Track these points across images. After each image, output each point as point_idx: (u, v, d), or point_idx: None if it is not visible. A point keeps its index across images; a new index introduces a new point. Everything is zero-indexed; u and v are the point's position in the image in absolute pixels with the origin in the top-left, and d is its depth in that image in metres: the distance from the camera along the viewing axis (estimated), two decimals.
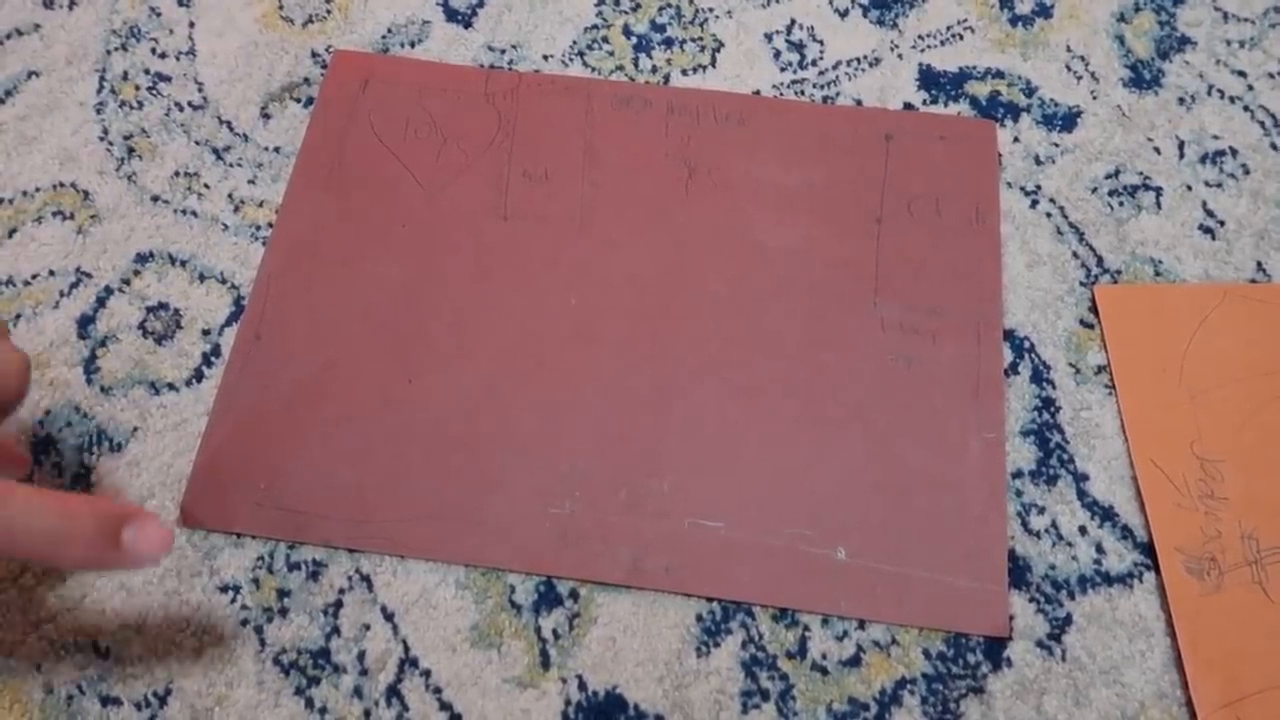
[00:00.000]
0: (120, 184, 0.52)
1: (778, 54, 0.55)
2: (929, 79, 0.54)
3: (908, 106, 0.53)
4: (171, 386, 0.47)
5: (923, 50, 0.55)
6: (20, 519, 0.31)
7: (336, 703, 0.41)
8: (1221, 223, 0.50)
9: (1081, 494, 0.44)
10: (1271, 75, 0.53)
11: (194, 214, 0.51)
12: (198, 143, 0.53)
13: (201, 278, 0.49)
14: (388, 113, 0.53)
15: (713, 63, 0.55)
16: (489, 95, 0.53)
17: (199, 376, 0.47)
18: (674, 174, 0.51)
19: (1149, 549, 0.43)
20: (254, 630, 0.42)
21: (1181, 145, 0.52)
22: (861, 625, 0.42)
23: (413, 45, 0.55)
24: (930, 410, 0.46)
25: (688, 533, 0.43)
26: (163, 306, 0.49)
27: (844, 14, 0.56)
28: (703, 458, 0.45)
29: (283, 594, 0.43)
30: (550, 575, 0.43)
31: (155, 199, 0.51)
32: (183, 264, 0.50)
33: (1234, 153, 0.51)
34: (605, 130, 0.52)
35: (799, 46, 0.55)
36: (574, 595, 0.42)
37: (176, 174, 0.52)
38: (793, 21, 0.56)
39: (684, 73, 0.54)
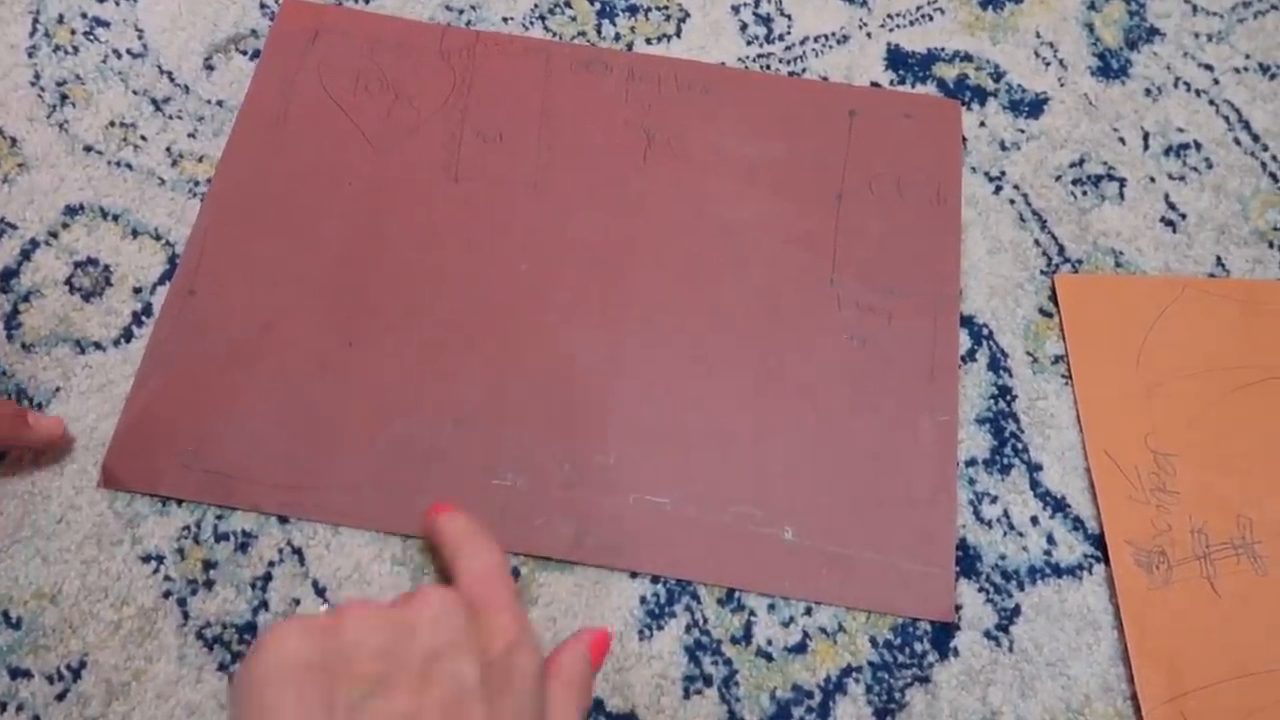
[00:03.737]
0: (51, 132, 0.49)
1: (745, 27, 0.54)
2: (897, 59, 0.53)
3: (874, 86, 0.52)
4: (98, 346, 0.45)
5: (892, 29, 0.54)
6: None
7: None
8: (1183, 216, 0.49)
9: (1034, 484, 0.44)
10: (1237, 70, 0.53)
11: (129, 166, 0.49)
12: (135, 92, 0.50)
13: (134, 233, 0.47)
14: (337, 66, 0.51)
15: (678, 33, 0.53)
16: (444, 52, 0.51)
17: (128, 336, 0.45)
18: (632, 142, 0.50)
19: (1100, 541, 0.42)
20: (177, 602, 0.40)
21: (1146, 137, 0.51)
22: (808, 611, 0.41)
23: (367, 1, 0.53)
24: (883, 391, 0.45)
25: (633, 508, 0.42)
26: (92, 262, 0.46)
27: None
28: (650, 432, 0.44)
29: (209, 565, 0.41)
30: None
31: (88, 149, 0.49)
32: (115, 218, 0.47)
33: (1198, 146, 0.51)
34: (563, 94, 0.51)
35: (767, 20, 0.54)
36: (515, 574, 0.41)
37: (112, 124, 0.49)
38: None
39: (648, 41, 0.53)
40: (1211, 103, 0.52)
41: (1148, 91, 0.52)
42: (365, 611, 0.29)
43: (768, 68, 0.52)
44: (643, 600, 0.41)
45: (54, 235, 0.47)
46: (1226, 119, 0.52)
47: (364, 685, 0.28)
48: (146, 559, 0.41)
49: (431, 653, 0.29)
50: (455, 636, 0.30)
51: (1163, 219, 0.49)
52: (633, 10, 0.54)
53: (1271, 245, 0.49)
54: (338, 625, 0.29)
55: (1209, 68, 0.53)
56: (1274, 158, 0.51)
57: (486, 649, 0.30)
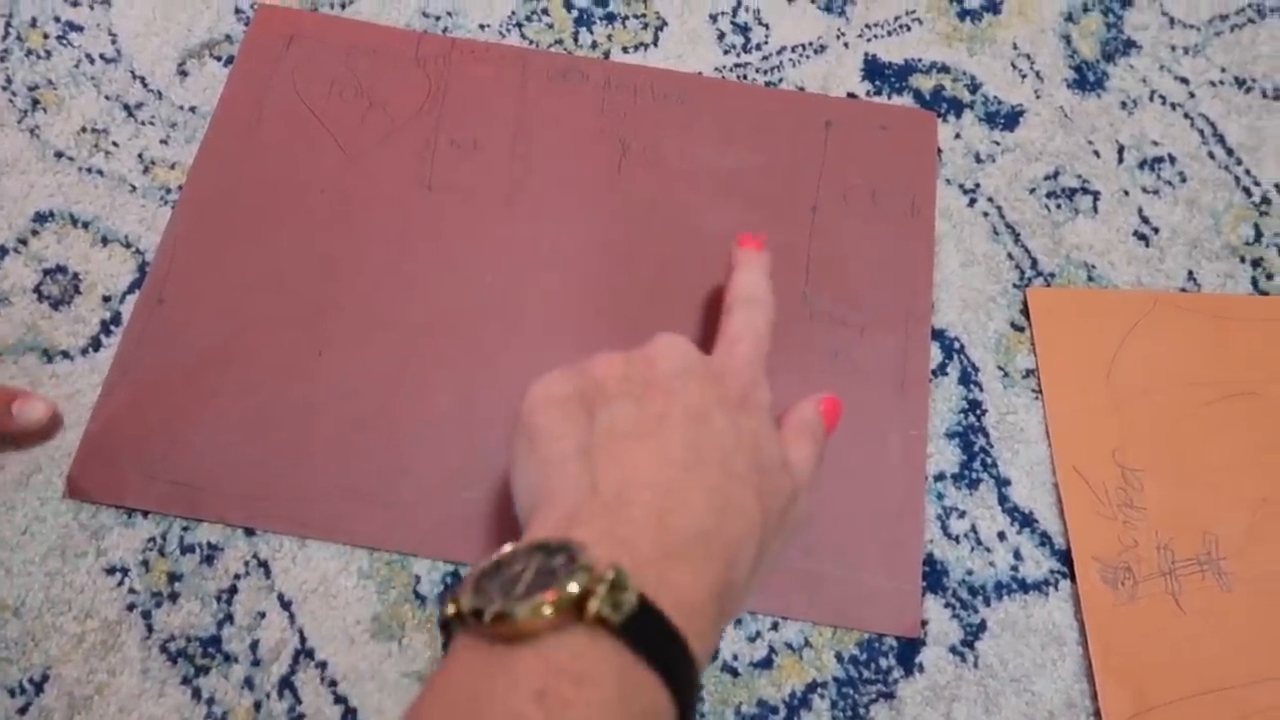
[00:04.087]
0: (21, 137, 0.49)
1: (722, 36, 0.54)
2: (874, 69, 0.53)
3: (851, 96, 0.52)
4: (66, 355, 0.44)
5: (869, 40, 0.54)
6: None
7: (225, 694, 0.39)
8: (1156, 230, 0.49)
9: (1003, 499, 0.44)
10: (1213, 84, 0.53)
11: (100, 173, 0.48)
12: (108, 98, 0.50)
13: (105, 241, 0.47)
14: (312, 73, 0.51)
15: (655, 41, 0.53)
16: (420, 60, 0.51)
17: (96, 345, 0.45)
18: (608, 151, 0.50)
19: (1066, 556, 0.43)
20: (141, 615, 0.40)
21: (1121, 150, 0.51)
22: (774, 626, 0.41)
23: (342, 7, 0.53)
24: (854, 405, 0.45)
25: None
26: (61, 269, 0.46)
27: None
28: None
29: (174, 578, 0.41)
30: (459, 562, 0.41)
31: (59, 155, 0.49)
32: (85, 225, 0.47)
33: (1172, 160, 0.51)
34: (539, 103, 0.51)
35: (744, 29, 0.54)
36: None
37: (83, 129, 0.49)
38: (739, 3, 0.54)
39: (625, 50, 0.53)
40: (1187, 116, 0.52)
41: (1123, 104, 0.52)
42: (610, 355, 0.34)
43: (745, 77, 0.52)
44: None
45: (23, 242, 0.46)
46: (1201, 133, 0.52)
47: (615, 399, 0.32)
48: (111, 571, 0.40)
49: (672, 374, 0.33)
50: (692, 366, 0.34)
51: (1135, 233, 0.49)
52: (610, 19, 0.54)
53: (1243, 260, 0.49)
54: (588, 367, 0.34)
55: (1184, 81, 0.53)
56: (1247, 172, 0.51)
57: (722, 383, 0.34)
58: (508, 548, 0.27)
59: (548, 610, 0.25)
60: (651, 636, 0.26)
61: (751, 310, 0.38)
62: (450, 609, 0.26)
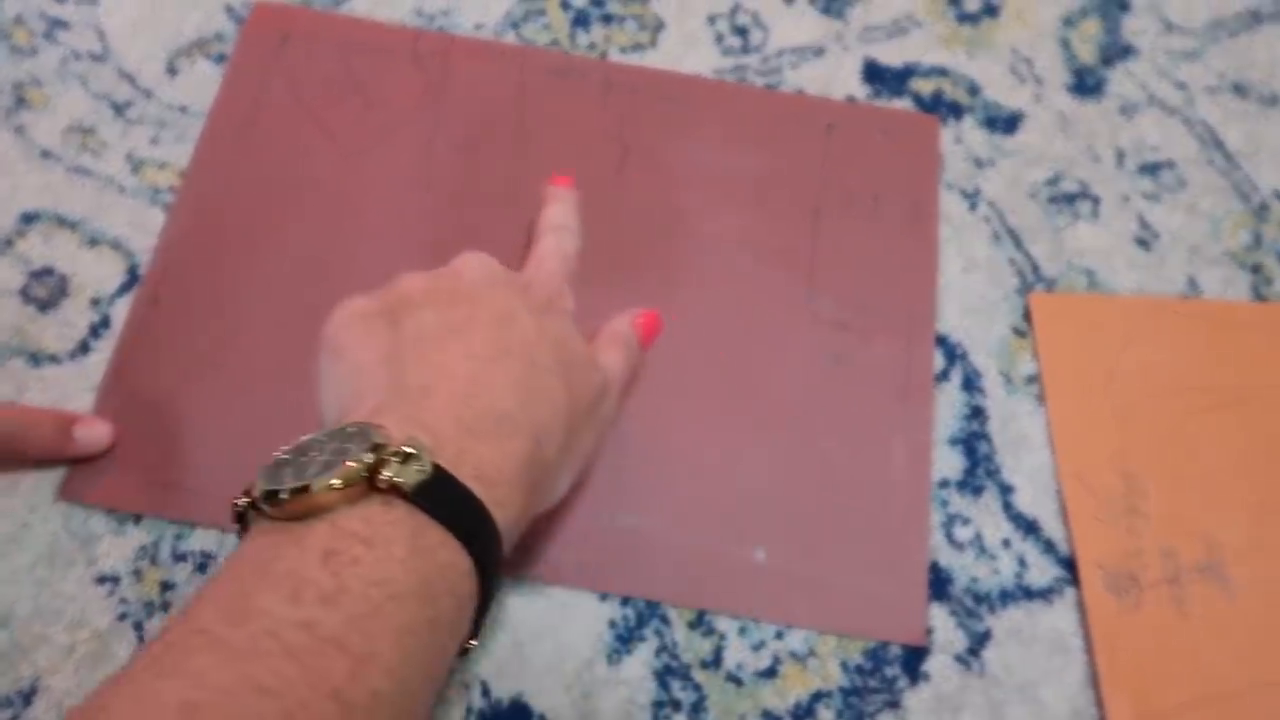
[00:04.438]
0: (7, 136, 0.48)
1: (720, 38, 0.53)
2: (873, 73, 0.52)
3: (850, 100, 0.52)
4: (53, 358, 0.43)
5: (868, 42, 0.53)
6: None
7: None
8: (1156, 235, 0.49)
9: (1006, 506, 0.43)
10: (1210, 89, 0.53)
11: (88, 173, 0.47)
12: (96, 96, 0.49)
13: (93, 242, 0.46)
14: (308, 71, 0.50)
15: (653, 43, 0.53)
16: (417, 57, 0.51)
17: (85, 349, 0.44)
18: (608, 153, 0.49)
19: (1070, 564, 0.42)
20: (133, 626, 0.39)
21: (1121, 155, 0.51)
22: (779, 635, 0.41)
23: (337, 6, 0.52)
24: (857, 410, 0.45)
25: (604, 527, 0.42)
26: (48, 271, 0.45)
27: (790, 0, 0.54)
28: (622, 450, 0.43)
29: (166, 587, 0.40)
30: None
31: (45, 154, 0.47)
32: (73, 226, 0.46)
33: (1171, 165, 0.51)
34: (538, 103, 0.50)
35: (743, 31, 0.53)
36: None
37: (70, 128, 0.48)
38: (737, 5, 0.54)
39: (623, 51, 0.52)
40: (1185, 121, 0.52)
41: (1122, 109, 0.52)
42: (415, 273, 0.35)
43: (743, 79, 0.52)
44: (612, 624, 0.40)
45: (9, 243, 0.45)
46: (1200, 138, 0.52)
47: (421, 308, 0.32)
48: (102, 580, 0.40)
49: (477, 282, 0.34)
50: (497, 276, 0.35)
51: (1136, 238, 0.49)
52: (607, 19, 0.53)
53: (1242, 266, 0.49)
54: (393, 284, 0.34)
55: (1183, 86, 0.53)
56: (1246, 178, 0.51)
57: (528, 291, 0.35)
58: (305, 437, 0.28)
59: (338, 482, 0.25)
60: (446, 500, 0.27)
61: (560, 235, 0.40)
62: (244, 500, 0.27)
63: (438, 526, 0.26)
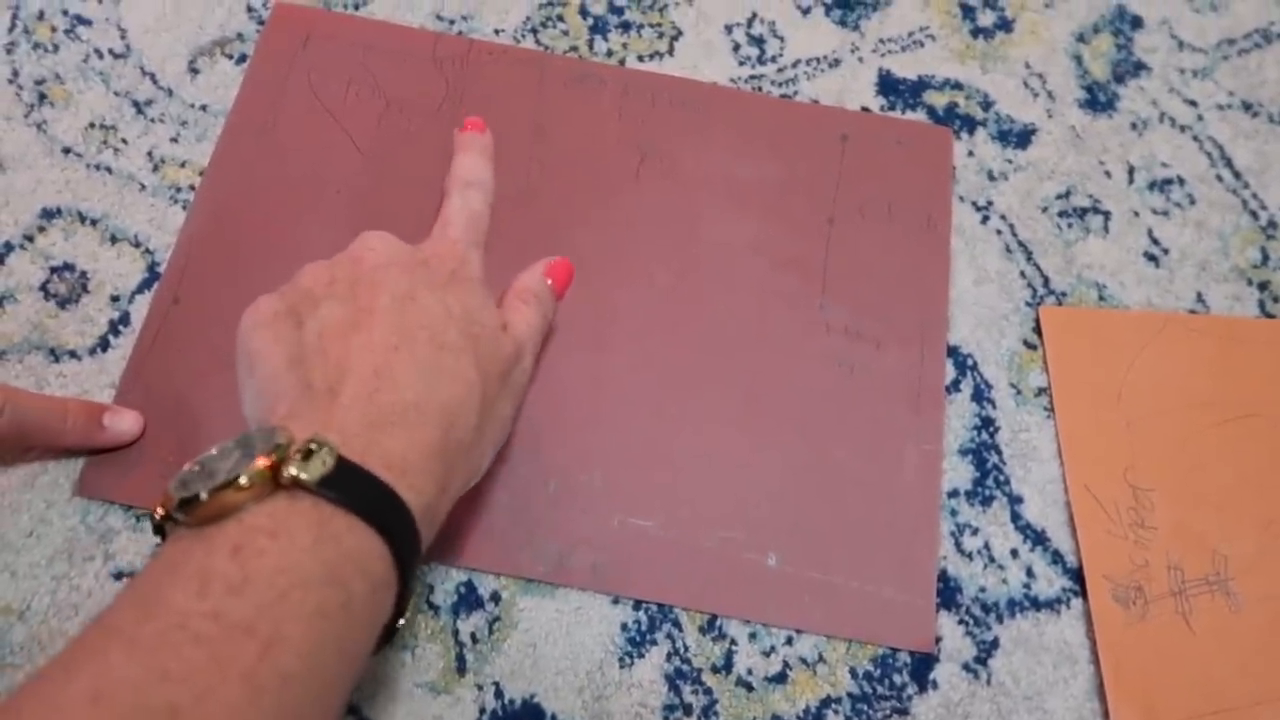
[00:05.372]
0: (29, 132, 0.48)
1: (737, 47, 0.54)
2: (888, 85, 0.53)
3: (865, 111, 0.52)
4: (73, 354, 0.44)
5: (883, 55, 0.54)
6: (31, 414, 0.39)
7: None
8: (1166, 251, 0.50)
9: (1015, 516, 0.44)
10: (1220, 107, 0.54)
11: (109, 170, 0.48)
12: (117, 94, 0.49)
13: (113, 239, 0.46)
14: (328, 71, 0.50)
15: (670, 51, 0.53)
16: (437, 60, 0.51)
17: (104, 345, 0.44)
18: (625, 159, 0.50)
19: (1078, 575, 0.43)
20: None
21: (1131, 171, 0.52)
22: (789, 641, 0.41)
23: (356, 9, 0.53)
24: (869, 418, 0.45)
25: (617, 530, 0.42)
26: (68, 268, 0.45)
27: (806, 11, 0.55)
28: (636, 453, 0.43)
29: None
30: (473, 568, 0.41)
31: (67, 151, 0.48)
32: (93, 223, 0.46)
33: (1181, 182, 0.52)
34: (556, 108, 0.50)
35: (759, 41, 0.54)
36: (495, 598, 0.41)
37: (92, 125, 0.48)
38: (754, 15, 0.54)
39: (640, 59, 0.53)
40: (1195, 139, 0.53)
41: (1133, 125, 0.53)
42: (316, 263, 0.35)
43: (759, 89, 0.52)
44: (624, 627, 0.41)
45: (29, 239, 0.46)
46: (1209, 155, 0.52)
47: (322, 302, 0.33)
48: (119, 575, 0.40)
49: (376, 266, 0.34)
50: (396, 256, 0.35)
51: (1146, 253, 0.50)
52: (625, 27, 0.53)
53: (1250, 283, 0.49)
54: (296, 279, 0.34)
55: (1193, 103, 0.54)
56: (1254, 195, 0.51)
57: (427, 266, 0.35)
58: (213, 448, 0.29)
59: (244, 481, 0.26)
60: (352, 489, 0.28)
61: (467, 192, 0.40)
62: (159, 512, 0.27)
63: (345, 514, 0.27)
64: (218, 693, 0.23)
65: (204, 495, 0.26)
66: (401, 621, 0.30)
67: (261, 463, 0.27)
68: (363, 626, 0.28)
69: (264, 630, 0.25)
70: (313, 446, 0.28)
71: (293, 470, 0.27)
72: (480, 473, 0.36)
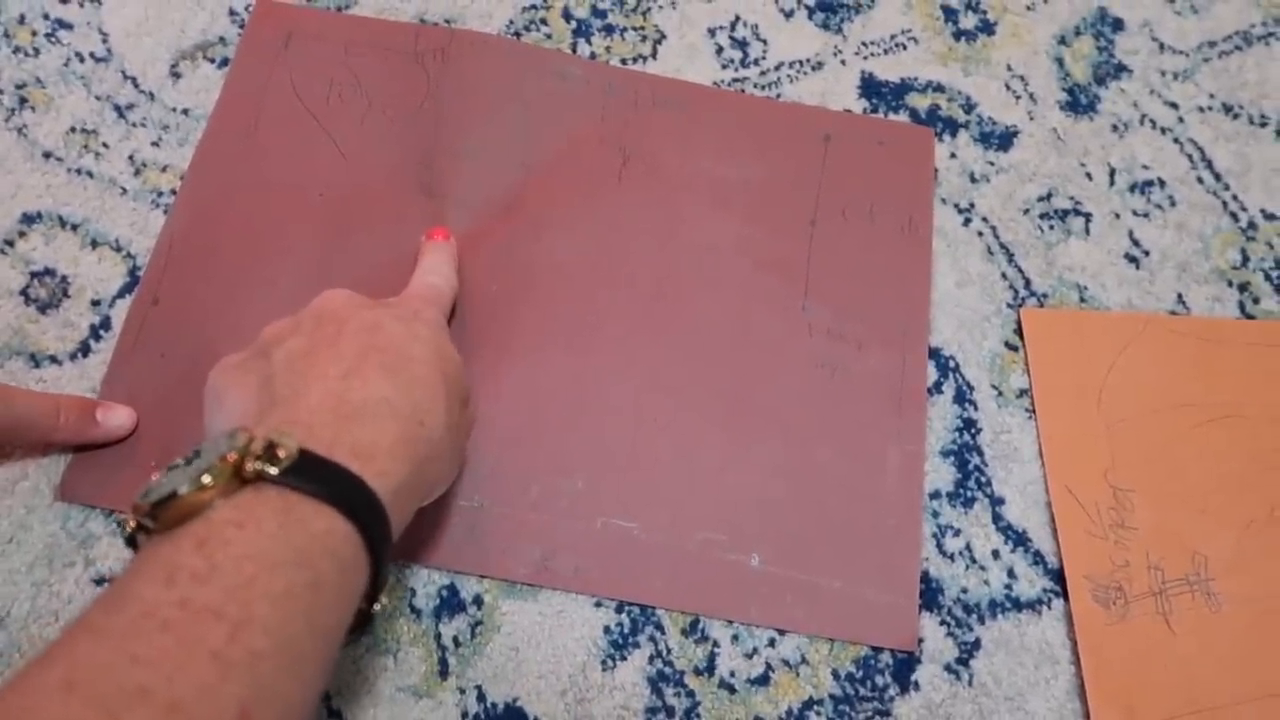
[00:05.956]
0: (9, 136, 0.48)
1: (720, 50, 0.54)
2: (870, 88, 0.53)
3: (848, 114, 0.52)
4: (53, 359, 0.43)
5: (866, 58, 0.54)
6: (24, 411, 0.39)
7: None
8: (1146, 252, 0.50)
9: (997, 517, 0.44)
10: (1201, 109, 0.54)
11: (90, 174, 0.47)
12: (98, 98, 0.49)
13: (94, 244, 0.46)
14: (311, 71, 0.50)
15: (653, 54, 0.53)
16: (419, 55, 0.51)
17: (85, 350, 0.44)
18: (608, 160, 0.50)
19: (1059, 576, 0.43)
20: None
21: (1113, 172, 0.52)
22: (772, 643, 0.41)
23: (340, 10, 0.52)
24: (852, 419, 0.45)
25: (600, 532, 0.42)
26: (49, 272, 0.45)
27: (789, 14, 0.55)
28: (618, 455, 0.44)
29: None
30: (455, 570, 0.41)
31: (47, 155, 0.48)
32: (74, 228, 0.46)
33: (1162, 184, 0.52)
34: (539, 107, 0.50)
35: (742, 44, 0.54)
36: (478, 601, 0.41)
37: (73, 130, 0.48)
38: (737, 18, 0.55)
39: (623, 61, 0.53)
40: (1176, 140, 0.53)
41: (1114, 128, 0.53)
42: (278, 321, 0.36)
43: (742, 91, 0.52)
44: (606, 630, 0.41)
45: (9, 244, 0.46)
46: (1190, 157, 0.53)
47: (289, 338, 0.34)
48: (100, 581, 0.40)
49: (341, 306, 0.36)
50: (361, 301, 0.36)
51: (1127, 255, 0.50)
52: (608, 30, 0.54)
53: (1231, 284, 0.50)
54: (260, 336, 0.36)
55: (1174, 105, 0.54)
56: (1235, 197, 0.52)
57: (392, 306, 0.37)
58: (178, 458, 0.29)
59: (208, 480, 0.27)
60: (317, 476, 0.28)
61: (428, 277, 0.43)
62: (130, 524, 0.28)
63: (310, 500, 0.28)
64: (188, 672, 0.24)
65: (170, 498, 0.27)
66: (378, 607, 0.31)
67: (225, 460, 0.28)
68: (332, 607, 0.28)
69: (232, 612, 0.25)
70: (274, 439, 0.28)
71: (256, 464, 0.28)
72: (447, 481, 0.37)
